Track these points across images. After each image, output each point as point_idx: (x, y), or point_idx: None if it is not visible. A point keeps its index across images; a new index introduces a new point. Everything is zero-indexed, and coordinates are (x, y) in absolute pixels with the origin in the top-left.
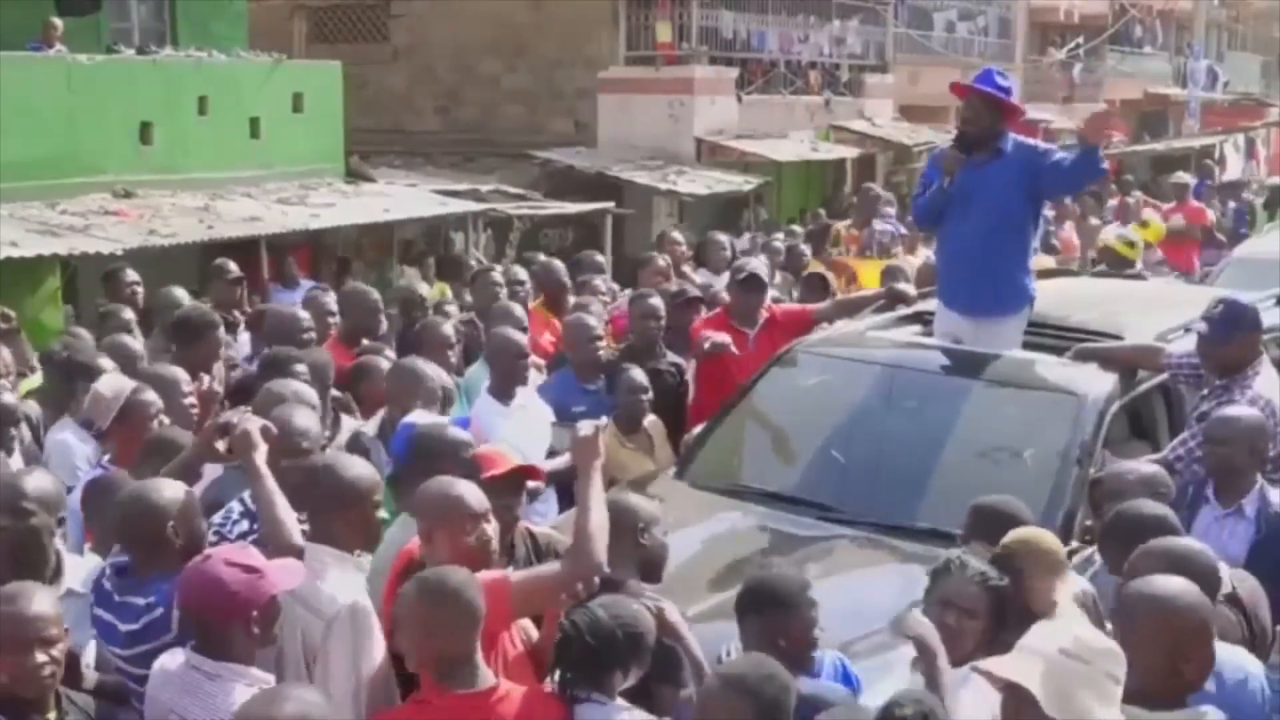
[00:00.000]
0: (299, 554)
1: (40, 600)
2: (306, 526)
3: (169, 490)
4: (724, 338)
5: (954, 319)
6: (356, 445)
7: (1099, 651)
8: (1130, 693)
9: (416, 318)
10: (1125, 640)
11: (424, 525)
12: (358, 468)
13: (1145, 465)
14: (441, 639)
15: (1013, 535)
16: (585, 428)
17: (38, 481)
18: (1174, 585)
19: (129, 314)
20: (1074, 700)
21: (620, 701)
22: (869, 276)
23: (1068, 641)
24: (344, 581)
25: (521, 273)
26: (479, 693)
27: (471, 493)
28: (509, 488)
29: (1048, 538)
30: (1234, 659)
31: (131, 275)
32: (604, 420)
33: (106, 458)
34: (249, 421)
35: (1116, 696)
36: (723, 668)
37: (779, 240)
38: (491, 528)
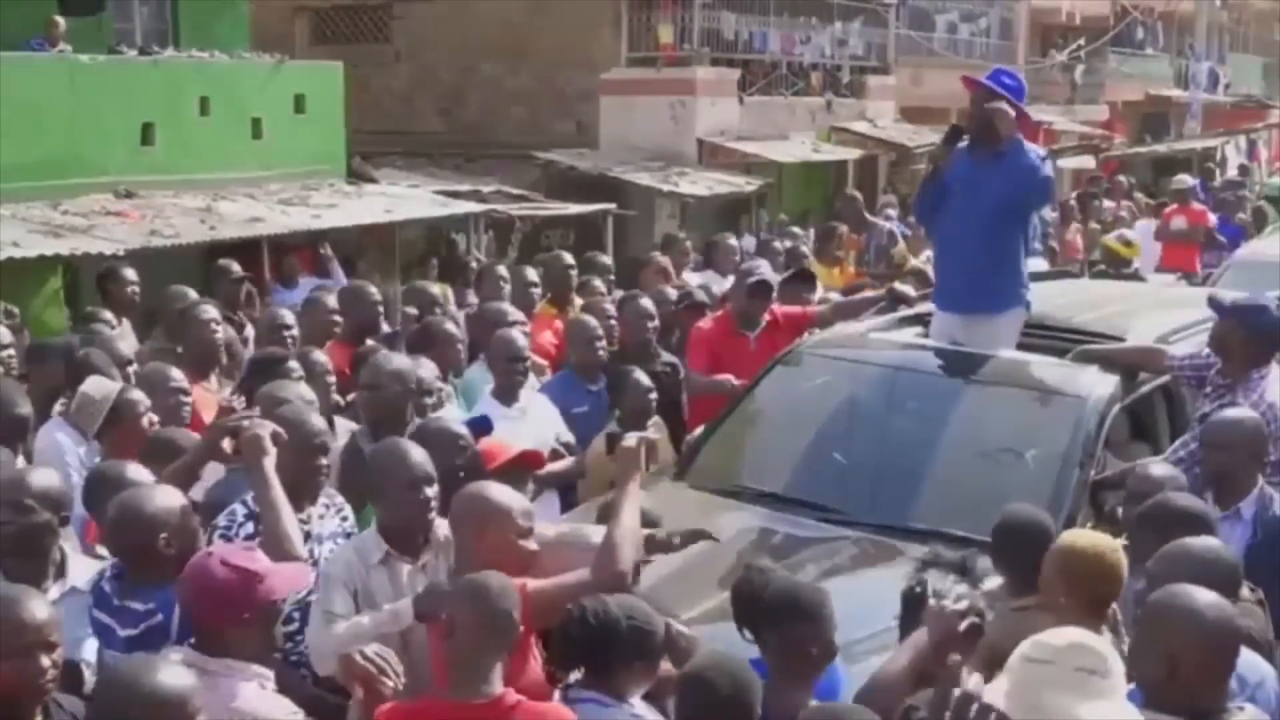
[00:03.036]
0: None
1: (41, 605)
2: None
3: (162, 500)
4: (722, 380)
5: (949, 320)
6: (353, 447)
7: (1060, 648)
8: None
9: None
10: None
11: (466, 531)
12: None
13: (1167, 467)
14: (477, 649)
15: (1083, 540)
16: (630, 439)
17: (42, 479)
18: (1211, 598)
19: (107, 314)
20: (1043, 702)
21: (629, 705)
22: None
23: (1027, 646)
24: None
25: (533, 273)
26: (488, 702)
27: (519, 501)
28: (513, 478)
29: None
30: (1253, 662)
31: (129, 274)
32: (652, 433)
33: (97, 460)
34: (259, 426)
35: (1099, 688)
36: (690, 665)
37: (780, 243)
38: (536, 537)
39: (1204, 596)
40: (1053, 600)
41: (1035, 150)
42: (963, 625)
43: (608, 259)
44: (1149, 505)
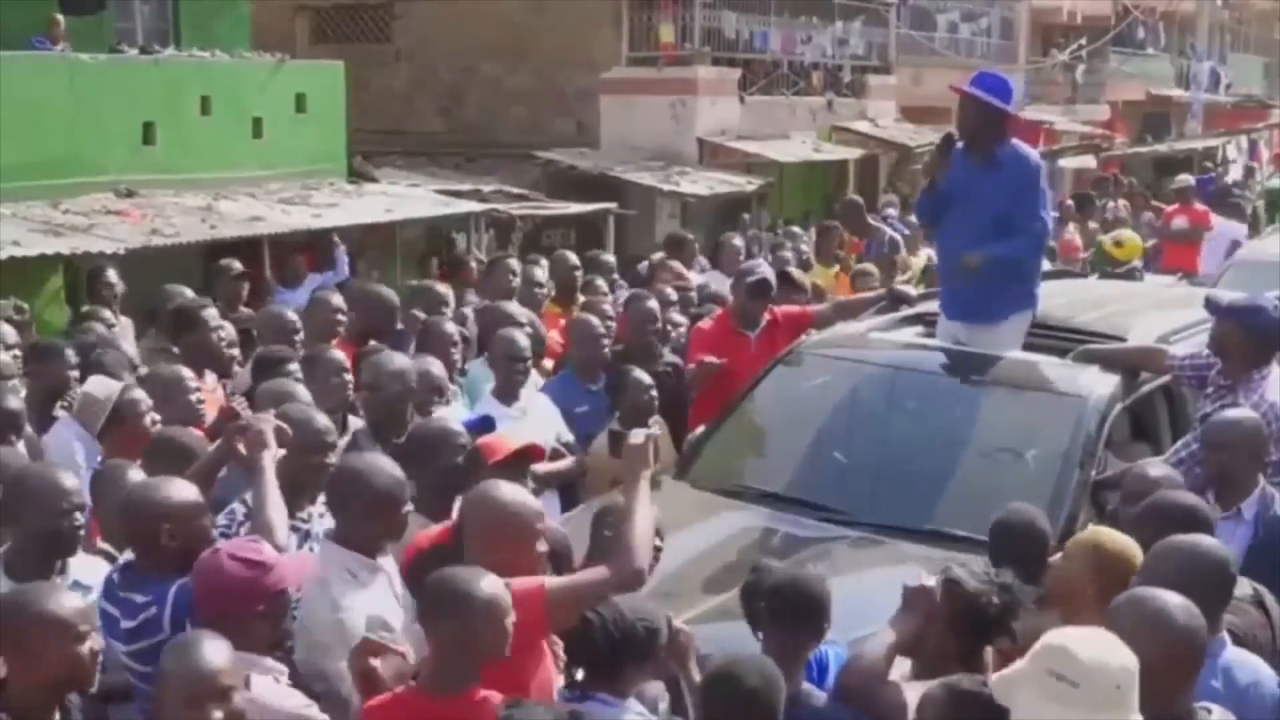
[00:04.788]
0: None
1: (76, 595)
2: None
3: (170, 492)
4: (707, 363)
5: (952, 326)
6: (355, 445)
7: (1044, 647)
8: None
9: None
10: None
11: (480, 533)
12: (390, 472)
13: (1164, 467)
14: (451, 645)
15: (1107, 535)
16: (637, 436)
17: (73, 480)
18: (1178, 599)
19: (107, 313)
20: (1014, 698)
21: (631, 702)
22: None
23: (1037, 643)
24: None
25: (540, 273)
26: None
27: (534, 505)
28: (515, 472)
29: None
30: (1248, 662)
31: (111, 275)
32: (655, 429)
33: (99, 459)
34: (263, 421)
35: (1067, 696)
36: (717, 663)
37: (784, 244)
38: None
39: (1172, 599)
40: (1068, 596)
41: (1030, 154)
42: (938, 596)
43: (610, 258)
44: (1146, 504)
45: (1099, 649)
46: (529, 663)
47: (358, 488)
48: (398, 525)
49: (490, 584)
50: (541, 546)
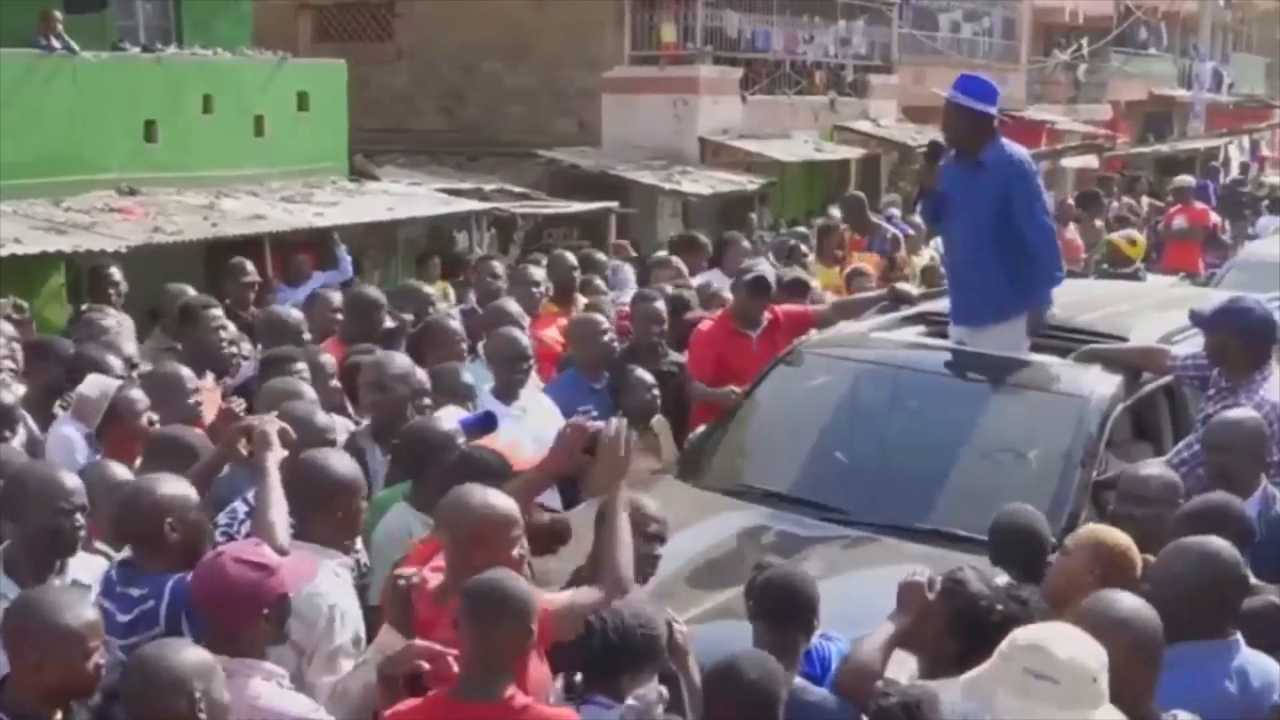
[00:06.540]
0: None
1: (89, 604)
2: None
3: (167, 486)
4: (725, 391)
5: (960, 332)
6: (352, 446)
7: (1017, 647)
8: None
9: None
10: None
11: (461, 540)
12: (342, 463)
13: (1167, 471)
14: (494, 650)
15: (1109, 533)
16: (610, 429)
17: (74, 480)
18: (1131, 603)
19: (109, 310)
20: (993, 700)
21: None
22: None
23: (1004, 643)
24: (333, 585)
25: (538, 273)
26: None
27: (508, 505)
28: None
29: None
30: (1260, 663)
31: (114, 273)
32: (620, 427)
33: (98, 457)
34: (268, 423)
35: (1048, 693)
36: (718, 659)
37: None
38: (524, 538)
39: (1130, 600)
40: (1068, 592)
41: (1016, 151)
42: (931, 595)
43: (604, 256)
44: (1190, 507)
45: (1075, 646)
46: (530, 671)
47: (325, 482)
48: (360, 519)
49: (525, 584)
50: (520, 551)
